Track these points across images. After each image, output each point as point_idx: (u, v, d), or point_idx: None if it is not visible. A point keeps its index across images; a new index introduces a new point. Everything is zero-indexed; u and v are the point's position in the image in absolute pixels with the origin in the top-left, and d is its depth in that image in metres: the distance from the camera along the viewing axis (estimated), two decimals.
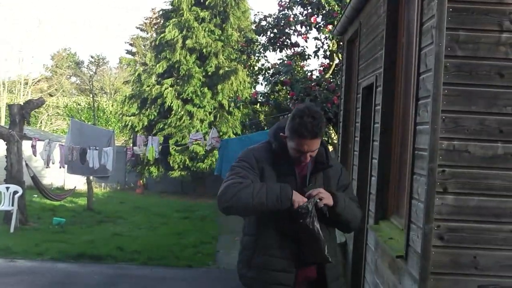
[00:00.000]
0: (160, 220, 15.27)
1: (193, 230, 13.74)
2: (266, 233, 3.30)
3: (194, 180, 22.64)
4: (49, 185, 19.86)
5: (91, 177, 16.18)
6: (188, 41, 22.02)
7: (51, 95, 36.27)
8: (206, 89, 22.03)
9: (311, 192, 3.22)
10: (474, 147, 3.59)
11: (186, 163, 21.48)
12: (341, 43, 10.12)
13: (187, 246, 11.56)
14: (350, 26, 7.81)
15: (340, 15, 9.11)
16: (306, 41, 13.46)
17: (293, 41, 13.81)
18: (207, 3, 22.36)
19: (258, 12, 14.16)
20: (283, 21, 13.46)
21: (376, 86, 5.65)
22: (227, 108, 22.23)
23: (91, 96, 34.62)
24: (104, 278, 8.74)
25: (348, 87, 8.12)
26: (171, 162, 21.49)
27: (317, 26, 12.78)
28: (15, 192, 12.44)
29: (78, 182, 18.85)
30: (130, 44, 35.04)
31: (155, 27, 29.92)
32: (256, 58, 15.25)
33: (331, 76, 12.81)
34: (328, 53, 13.21)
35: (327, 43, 13.12)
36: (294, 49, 13.93)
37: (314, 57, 13.50)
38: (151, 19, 32.64)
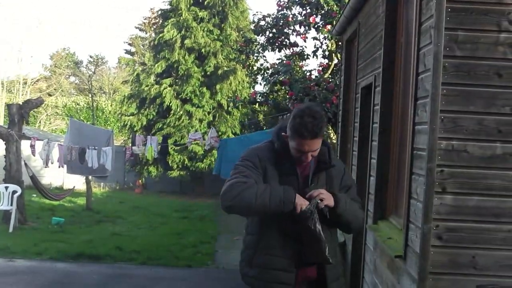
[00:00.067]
0: (159, 220, 15.27)
1: (192, 230, 13.73)
2: (268, 233, 3.30)
3: (193, 180, 22.65)
4: (48, 184, 19.86)
5: (90, 177, 16.17)
6: (187, 41, 22.03)
7: (50, 95, 36.28)
8: (205, 89, 22.04)
9: (312, 193, 3.22)
10: (473, 147, 3.59)
11: (185, 163, 21.49)
12: (340, 43, 10.13)
13: (186, 246, 11.56)
14: (349, 26, 7.82)
15: (339, 15, 9.11)
16: (305, 41, 13.47)
17: (292, 41, 13.82)
18: (205, 3, 22.38)
19: (257, 12, 14.17)
20: (282, 21, 13.47)
21: (375, 86, 5.65)
22: (226, 108, 22.24)
23: (90, 95, 34.64)
24: (103, 278, 8.73)
25: (347, 87, 8.12)
26: (170, 162, 21.50)
27: (316, 26, 12.78)
28: (14, 192, 12.43)
29: (77, 182, 18.85)
30: (129, 44, 35.02)
31: (154, 27, 29.92)
32: (255, 58, 15.26)
33: (330, 76, 12.81)
34: (327, 53, 13.22)
35: (326, 43, 13.12)
36: (293, 49, 13.94)
37: (313, 57, 13.52)
38: (150, 19, 32.60)
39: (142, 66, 25.04)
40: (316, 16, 12.72)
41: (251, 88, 20.52)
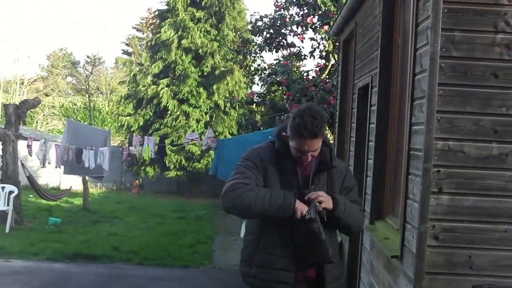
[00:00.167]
0: (156, 220, 15.25)
1: (189, 230, 13.72)
2: (268, 232, 3.31)
3: (190, 180, 22.62)
4: (44, 185, 19.82)
5: (86, 177, 16.15)
6: (184, 41, 22.01)
7: (47, 95, 36.25)
8: (202, 89, 22.02)
9: (310, 195, 3.21)
10: (469, 147, 3.60)
11: (182, 163, 21.46)
12: (337, 44, 10.14)
13: (183, 246, 11.55)
14: (346, 26, 7.83)
15: (336, 16, 9.12)
16: (302, 42, 13.52)
17: (289, 41, 13.84)
18: (202, 3, 22.36)
19: (254, 13, 14.21)
20: (279, 22, 13.50)
21: (372, 86, 5.66)
22: (223, 108, 22.23)
23: (87, 96, 34.61)
24: (100, 278, 8.73)
25: (344, 87, 8.14)
26: (167, 162, 21.47)
27: (313, 27, 12.81)
28: (10, 192, 12.40)
29: (73, 182, 18.80)
30: (126, 44, 35.00)
31: (151, 27, 29.90)
32: (252, 58, 15.26)
33: (327, 76, 12.84)
34: (324, 53, 13.24)
35: (323, 43, 13.15)
36: (290, 50, 13.95)
37: (310, 57, 13.55)
38: (147, 19, 32.60)
39: (139, 66, 25.01)
40: (313, 17, 12.74)
41: (248, 89, 20.52)
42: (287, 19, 13.32)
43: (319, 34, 12.82)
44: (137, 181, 23.54)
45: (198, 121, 21.87)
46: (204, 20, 22.55)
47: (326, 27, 12.20)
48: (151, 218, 15.71)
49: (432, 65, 3.56)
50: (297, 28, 13.26)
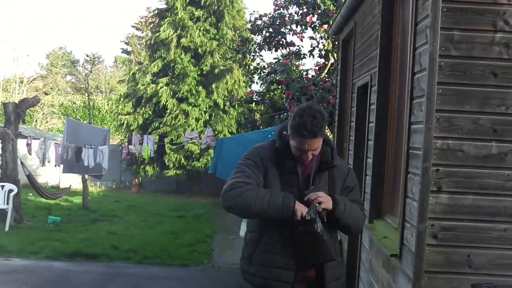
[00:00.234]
0: (155, 219, 15.25)
1: (188, 229, 13.72)
2: (269, 231, 3.31)
3: (190, 179, 22.63)
4: (44, 183, 19.82)
5: (86, 176, 16.16)
6: (183, 40, 22.01)
7: (46, 94, 36.23)
8: (201, 88, 22.03)
9: (310, 196, 3.21)
10: (468, 146, 3.61)
11: (182, 162, 21.46)
12: (336, 43, 10.14)
13: (182, 245, 11.55)
14: (345, 25, 7.83)
15: (336, 15, 9.12)
16: (301, 41, 13.52)
17: (288, 40, 13.84)
18: (202, 2, 22.35)
19: (253, 11, 14.16)
20: (278, 21, 13.49)
21: (371, 85, 5.67)
22: (222, 107, 22.24)
23: (86, 94, 34.54)
24: (99, 277, 8.73)
25: (343, 86, 8.14)
26: (166, 161, 21.47)
27: (312, 26, 12.80)
28: (10, 191, 12.40)
29: (73, 181, 18.80)
30: (126, 43, 34.97)
31: (151, 26, 29.86)
32: (252, 57, 15.26)
33: (326, 75, 12.83)
34: (323, 52, 13.24)
35: (322, 42, 13.14)
36: (289, 49, 13.95)
37: (309, 56, 13.54)
38: (147, 18, 32.56)
39: (139, 65, 24.99)
40: (313, 16, 12.73)
41: (248, 87, 20.52)
42: (287, 18, 13.31)
43: (318, 33, 12.82)
44: (136, 180, 23.54)
45: (197, 120, 21.88)
46: (203, 19, 22.55)
47: (325, 26, 12.19)
48: (151, 217, 15.71)
49: (431, 64, 3.56)
50: (297, 27, 13.25)
